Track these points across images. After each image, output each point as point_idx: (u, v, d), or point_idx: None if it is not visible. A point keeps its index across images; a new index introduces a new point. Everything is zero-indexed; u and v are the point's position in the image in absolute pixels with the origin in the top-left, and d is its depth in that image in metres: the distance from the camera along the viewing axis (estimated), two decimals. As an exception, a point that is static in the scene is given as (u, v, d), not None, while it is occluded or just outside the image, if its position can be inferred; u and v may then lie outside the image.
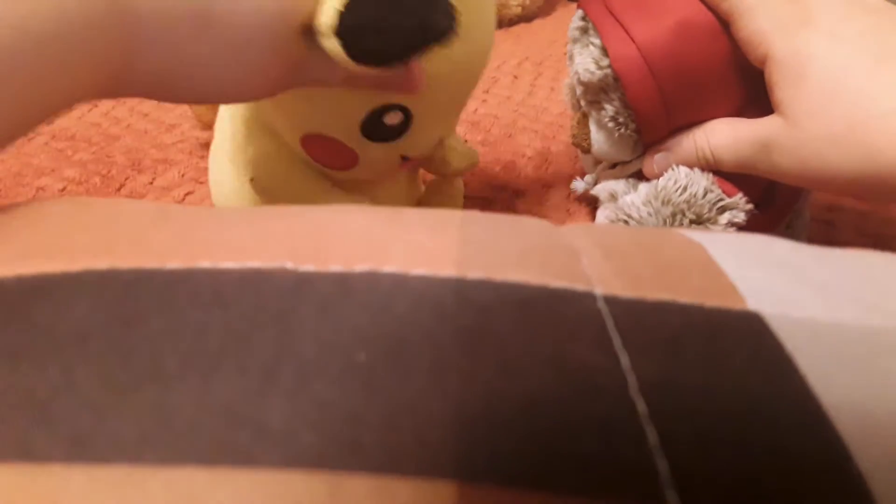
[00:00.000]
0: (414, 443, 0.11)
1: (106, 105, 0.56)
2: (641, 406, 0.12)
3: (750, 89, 0.33)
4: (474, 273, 0.14)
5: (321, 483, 0.11)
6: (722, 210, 0.33)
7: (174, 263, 0.14)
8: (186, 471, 0.11)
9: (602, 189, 0.39)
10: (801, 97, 0.29)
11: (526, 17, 0.73)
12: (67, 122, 0.51)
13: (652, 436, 0.11)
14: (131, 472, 0.11)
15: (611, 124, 0.35)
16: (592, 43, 0.34)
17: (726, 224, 0.33)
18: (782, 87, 0.30)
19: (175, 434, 0.11)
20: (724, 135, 0.33)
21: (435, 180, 0.40)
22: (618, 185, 0.38)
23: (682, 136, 0.34)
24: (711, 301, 0.14)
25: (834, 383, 0.12)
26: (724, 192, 0.33)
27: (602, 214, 0.40)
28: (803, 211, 0.38)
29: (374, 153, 0.32)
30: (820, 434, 0.11)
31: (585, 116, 0.38)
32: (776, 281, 0.15)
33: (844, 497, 0.11)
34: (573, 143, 0.39)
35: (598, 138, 0.37)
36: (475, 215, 0.17)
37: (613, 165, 0.39)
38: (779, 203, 0.35)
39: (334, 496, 0.10)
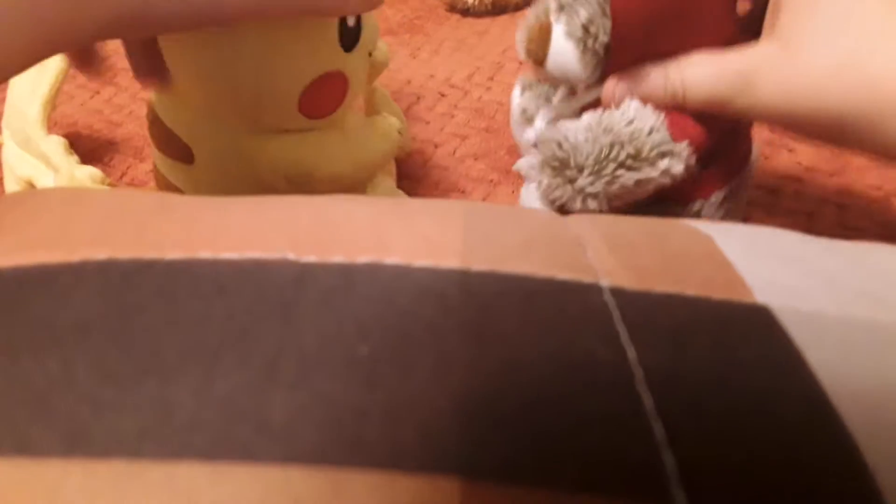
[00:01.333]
0: (417, 438, 0.11)
1: (108, 92, 0.55)
2: (648, 400, 0.11)
3: (736, 30, 0.31)
4: (478, 265, 0.14)
5: (323, 479, 0.10)
6: (662, 155, 0.31)
7: (174, 254, 0.14)
8: (186, 465, 0.10)
9: (526, 163, 0.38)
10: (806, 22, 0.27)
11: (532, 3, 0.73)
12: (69, 109, 0.51)
13: (659, 431, 0.11)
14: (130, 467, 0.10)
15: (580, 33, 0.32)
16: None
17: (663, 171, 0.31)
18: (789, 10, 0.28)
19: (175, 428, 0.11)
20: (702, 67, 0.30)
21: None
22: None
23: (651, 67, 0.32)
24: (719, 294, 0.14)
25: (842, 378, 0.12)
26: (671, 135, 0.31)
27: (525, 195, 0.38)
28: (740, 192, 0.36)
29: (354, 64, 0.32)
30: (829, 429, 0.11)
31: (547, 29, 0.34)
32: (784, 273, 0.15)
33: (853, 492, 0.11)
34: (527, 56, 0.35)
35: (558, 49, 0.33)
36: (478, 206, 0.17)
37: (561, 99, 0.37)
38: (719, 169, 0.34)
39: (336, 492, 0.10)
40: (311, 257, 0.14)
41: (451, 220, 0.16)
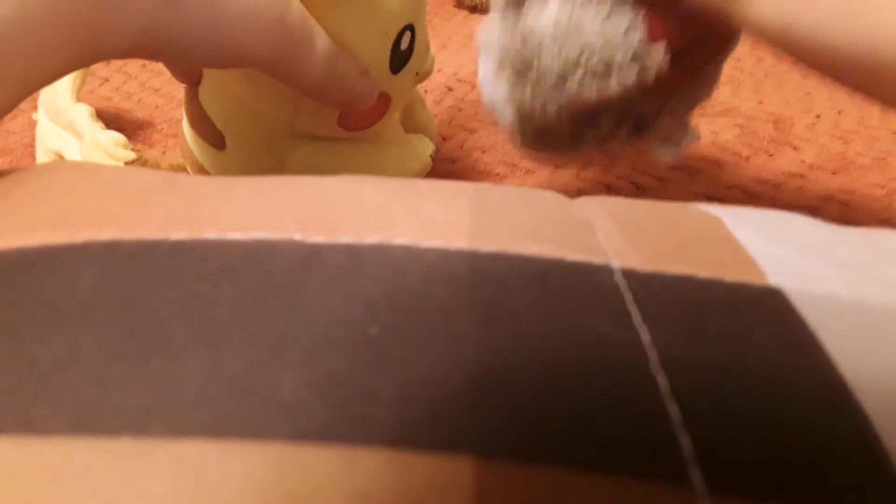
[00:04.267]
0: (429, 417, 0.11)
1: (117, 80, 0.55)
2: (663, 382, 0.11)
3: None
4: (488, 246, 0.14)
5: (334, 456, 0.10)
6: (634, 58, 0.27)
7: (179, 234, 0.14)
8: (194, 443, 0.10)
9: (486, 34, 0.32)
10: None
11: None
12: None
13: (674, 412, 0.11)
14: (137, 445, 0.10)
15: None
16: None
17: (632, 79, 0.27)
18: None
19: (183, 406, 0.11)
20: None
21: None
22: None
23: None
24: (731, 276, 0.14)
25: (858, 361, 0.12)
26: (648, 33, 0.27)
27: (486, 35, 0.31)
28: (711, 71, 0.32)
29: (400, 84, 0.32)
30: (846, 412, 0.11)
31: None
32: (796, 256, 0.15)
33: (870, 475, 0.10)
34: None
35: None
36: (487, 187, 0.17)
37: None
38: (692, 62, 0.30)
39: (347, 469, 0.10)
40: (318, 238, 0.14)
41: (460, 202, 0.15)
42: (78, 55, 0.20)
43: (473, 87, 0.54)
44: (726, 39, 0.31)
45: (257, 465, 0.10)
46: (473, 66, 0.57)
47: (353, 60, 0.29)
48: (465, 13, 0.70)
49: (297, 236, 0.14)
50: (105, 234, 0.14)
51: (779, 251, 0.15)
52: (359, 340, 0.12)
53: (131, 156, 0.40)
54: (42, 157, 0.43)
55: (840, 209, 0.42)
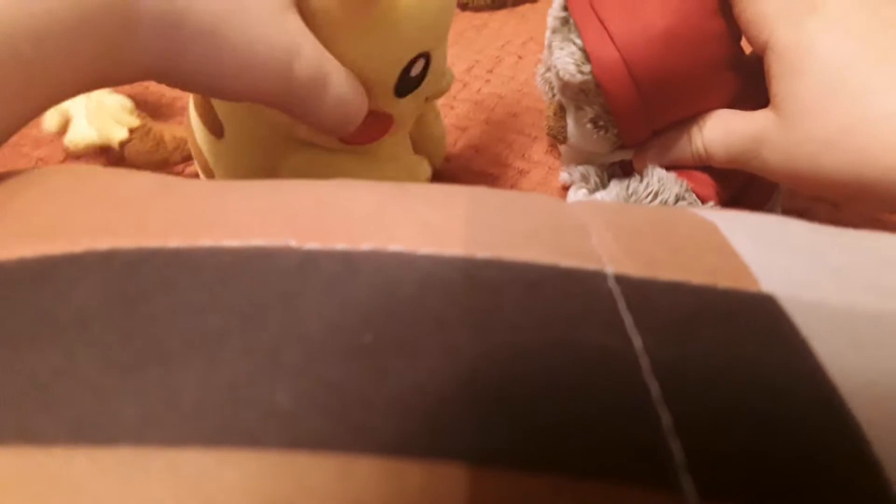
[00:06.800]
0: (423, 425, 0.11)
1: (106, 78, 0.55)
2: (655, 388, 0.11)
3: (742, 83, 0.32)
4: (482, 252, 0.14)
5: (330, 464, 0.10)
6: None
7: (175, 242, 0.14)
8: (191, 452, 0.10)
9: (575, 170, 0.38)
10: (798, 93, 0.27)
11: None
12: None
13: (666, 419, 0.11)
14: (135, 454, 0.10)
15: (589, 126, 0.34)
16: (574, 41, 0.32)
17: None
18: (780, 80, 0.28)
19: (179, 415, 0.11)
20: (716, 130, 0.32)
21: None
22: (591, 169, 0.37)
23: (676, 131, 0.33)
24: (724, 282, 0.14)
25: (849, 368, 0.12)
26: (698, 195, 0.32)
27: (573, 195, 0.38)
28: (775, 209, 0.37)
29: (405, 108, 0.32)
30: (837, 419, 0.11)
31: (562, 108, 0.36)
32: (790, 263, 0.15)
33: (861, 482, 0.10)
34: (548, 134, 0.38)
35: (574, 133, 0.36)
36: (482, 192, 0.17)
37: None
38: (748, 204, 0.35)
39: (343, 477, 0.10)
40: (313, 244, 0.14)
41: (455, 207, 0.15)
42: (89, 83, 0.21)
43: (465, 85, 0.54)
44: (769, 184, 0.35)
45: (254, 473, 0.10)
46: (466, 64, 0.58)
47: (361, 93, 0.28)
48: (455, 11, 0.70)
49: (293, 243, 0.14)
50: (103, 242, 0.14)
51: (773, 257, 0.15)
52: (354, 349, 0.12)
53: (135, 122, 0.40)
54: (52, 113, 0.43)
55: (830, 211, 0.43)
